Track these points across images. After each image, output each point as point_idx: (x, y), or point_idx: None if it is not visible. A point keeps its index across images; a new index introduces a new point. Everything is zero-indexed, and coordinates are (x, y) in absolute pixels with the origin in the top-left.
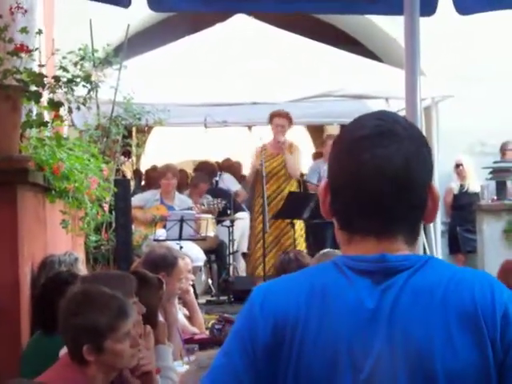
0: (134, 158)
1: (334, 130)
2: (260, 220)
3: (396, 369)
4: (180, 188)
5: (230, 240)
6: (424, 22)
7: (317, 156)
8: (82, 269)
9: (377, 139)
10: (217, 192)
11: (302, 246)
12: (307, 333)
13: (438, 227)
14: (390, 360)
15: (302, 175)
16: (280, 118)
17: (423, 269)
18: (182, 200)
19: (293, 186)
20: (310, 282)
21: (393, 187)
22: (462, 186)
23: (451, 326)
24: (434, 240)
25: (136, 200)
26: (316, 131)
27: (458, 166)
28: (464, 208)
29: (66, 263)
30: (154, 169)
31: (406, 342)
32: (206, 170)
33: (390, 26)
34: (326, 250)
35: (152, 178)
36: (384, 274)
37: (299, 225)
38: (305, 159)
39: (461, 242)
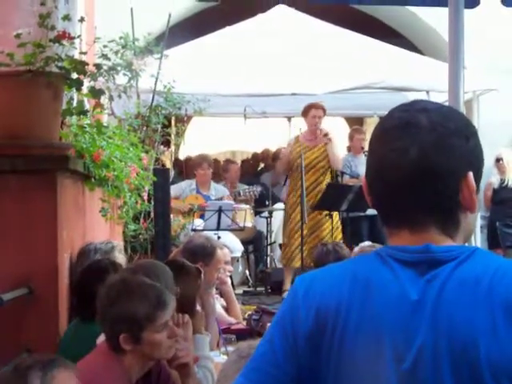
0: (173, 148)
1: (373, 123)
2: (298, 211)
3: (440, 360)
4: (214, 178)
5: (267, 231)
6: (465, 15)
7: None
8: (120, 257)
9: (395, 132)
10: (255, 183)
11: (337, 238)
12: (349, 322)
13: (477, 222)
14: (434, 351)
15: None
16: (317, 110)
17: (469, 260)
18: (218, 190)
19: (328, 179)
20: (353, 272)
21: (411, 179)
22: (502, 181)
23: (496, 318)
24: (472, 235)
25: (172, 190)
26: (356, 123)
27: (498, 160)
28: (504, 203)
29: (102, 251)
30: (189, 159)
31: (451, 334)
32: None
33: (432, 19)
34: (364, 243)
35: (187, 168)
36: (428, 264)
37: (335, 216)
38: (342, 151)
39: (500, 236)
